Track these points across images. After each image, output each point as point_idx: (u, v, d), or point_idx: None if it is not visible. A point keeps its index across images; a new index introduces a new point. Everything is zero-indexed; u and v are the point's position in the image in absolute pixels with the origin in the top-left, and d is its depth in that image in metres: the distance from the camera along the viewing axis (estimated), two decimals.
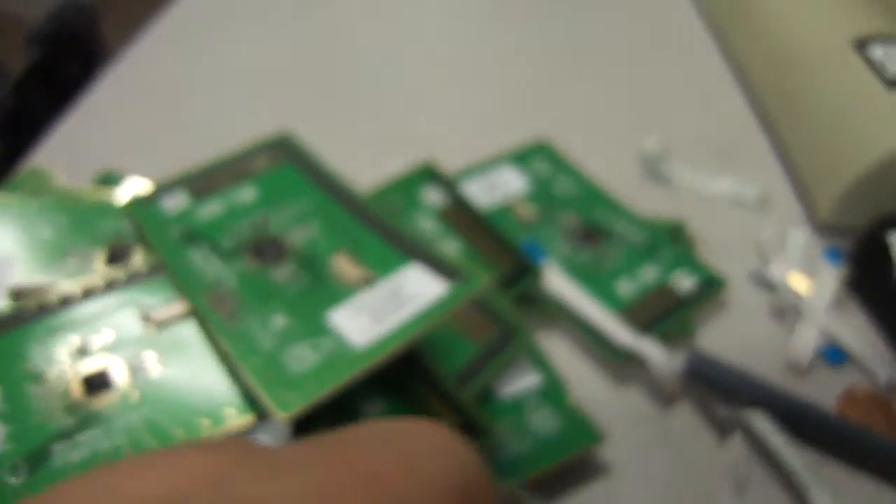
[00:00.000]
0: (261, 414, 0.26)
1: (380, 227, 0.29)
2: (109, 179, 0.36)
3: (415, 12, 0.52)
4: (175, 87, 0.46)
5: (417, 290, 0.27)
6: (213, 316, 0.27)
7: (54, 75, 0.53)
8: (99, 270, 0.31)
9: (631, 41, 0.49)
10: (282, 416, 0.24)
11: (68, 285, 0.29)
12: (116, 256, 0.31)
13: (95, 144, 0.42)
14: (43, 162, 0.40)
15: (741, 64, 0.45)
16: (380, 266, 0.28)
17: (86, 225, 0.32)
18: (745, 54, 0.45)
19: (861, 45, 0.38)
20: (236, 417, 0.26)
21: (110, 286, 0.29)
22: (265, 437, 0.26)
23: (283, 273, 0.28)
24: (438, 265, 0.28)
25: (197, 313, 0.27)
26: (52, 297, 0.29)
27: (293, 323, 0.26)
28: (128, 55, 0.48)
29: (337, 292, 0.27)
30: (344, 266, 0.28)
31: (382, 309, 0.26)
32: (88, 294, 0.29)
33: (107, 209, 0.33)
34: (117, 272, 0.30)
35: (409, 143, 0.39)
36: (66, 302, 0.29)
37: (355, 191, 0.31)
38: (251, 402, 0.26)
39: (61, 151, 0.41)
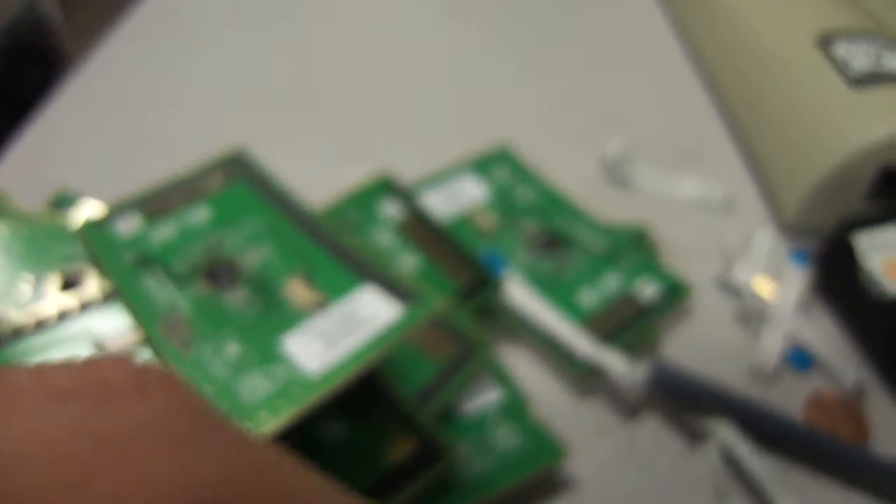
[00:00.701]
0: None
1: (333, 248, 0.29)
2: (64, 201, 0.36)
3: (368, 18, 0.51)
4: (131, 104, 0.45)
5: (371, 312, 0.27)
6: (166, 345, 0.26)
7: (12, 89, 0.52)
8: (52, 298, 0.30)
9: (591, 42, 0.48)
10: None
11: (19, 316, 0.29)
12: (70, 283, 0.30)
13: (50, 164, 0.41)
14: None
15: (704, 63, 0.45)
16: (333, 289, 0.27)
17: (39, 250, 0.32)
18: (708, 53, 0.44)
19: (824, 42, 0.37)
20: None
21: (63, 315, 0.29)
22: None
23: (235, 298, 0.28)
24: (392, 286, 0.27)
25: (150, 342, 0.27)
26: (4, 328, 0.28)
27: (246, 350, 0.26)
28: (83, 72, 0.47)
29: (290, 317, 0.27)
30: (297, 290, 0.28)
31: (336, 333, 0.26)
32: (41, 325, 0.29)
33: (60, 233, 0.32)
34: (71, 299, 0.30)
35: (366, 153, 0.39)
36: (17, 333, 0.28)
37: (309, 209, 0.30)
38: None
39: (15, 171, 0.40)
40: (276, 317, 0.27)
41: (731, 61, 0.42)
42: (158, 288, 0.28)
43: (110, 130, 0.43)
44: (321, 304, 0.27)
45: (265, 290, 0.28)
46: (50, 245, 0.32)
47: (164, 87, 0.46)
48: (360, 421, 0.28)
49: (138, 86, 0.46)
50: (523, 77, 0.46)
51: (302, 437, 0.27)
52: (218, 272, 0.28)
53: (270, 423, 0.24)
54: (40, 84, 0.53)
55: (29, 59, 0.52)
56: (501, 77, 0.46)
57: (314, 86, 0.45)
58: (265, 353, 0.26)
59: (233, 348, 0.26)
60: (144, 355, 0.27)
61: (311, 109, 0.43)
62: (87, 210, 0.34)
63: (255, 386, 0.25)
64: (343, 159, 0.38)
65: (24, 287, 0.30)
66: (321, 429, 0.28)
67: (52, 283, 0.31)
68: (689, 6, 0.47)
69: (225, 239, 0.30)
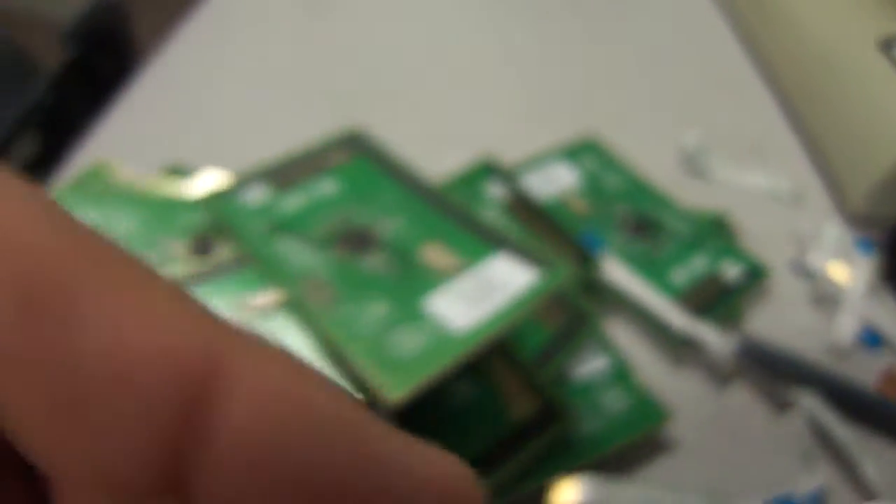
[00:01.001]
0: (368, 398, 0.27)
1: (461, 217, 0.31)
2: (177, 171, 0.37)
3: (465, 15, 0.53)
4: (227, 81, 0.47)
5: (507, 277, 0.29)
6: (310, 305, 0.28)
7: (89, 73, 0.54)
8: (183, 262, 0.32)
9: (660, 43, 0.51)
10: (393, 398, 0.26)
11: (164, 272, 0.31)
12: (199, 248, 0.32)
13: (148, 138, 0.43)
14: (94, 155, 0.41)
15: (767, 64, 0.47)
16: (468, 255, 0.29)
17: (164, 217, 0.33)
18: (771, 55, 0.47)
19: (886, 45, 0.40)
20: None
21: (198, 277, 0.31)
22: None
23: (373, 262, 0.29)
24: (525, 254, 0.29)
25: (293, 302, 0.29)
26: None
27: (392, 309, 0.28)
28: (165, 52, 0.49)
29: (430, 280, 0.29)
30: (435, 254, 0.30)
31: (476, 295, 0.28)
32: (182, 281, 0.30)
33: (182, 202, 0.34)
34: (201, 264, 0.31)
35: (460, 141, 0.41)
36: None
37: (432, 183, 0.32)
38: (353, 387, 0.27)
39: (114, 145, 0.42)
40: (416, 279, 0.29)
41: (795, 64, 0.44)
42: (295, 253, 0.30)
43: (203, 107, 0.45)
44: (458, 269, 0.29)
45: (402, 255, 0.30)
46: (174, 213, 0.34)
47: (251, 70, 0.48)
48: (485, 382, 0.30)
49: (227, 66, 0.48)
50: (605, 74, 0.48)
51: (433, 397, 0.29)
52: (353, 239, 0.30)
53: (422, 377, 0.26)
54: (115, 67, 0.55)
55: (105, 43, 0.53)
56: (586, 74, 0.48)
57: (418, 76, 0.47)
58: (411, 311, 0.28)
59: (378, 307, 0.28)
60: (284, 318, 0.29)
61: (415, 97, 0.46)
62: (207, 180, 0.36)
63: (405, 341, 0.27)
64: (440, 147, 0.40)
65: (155, 252, 0.32)
66: (450, 390, 0.29)
67: (181, 249, 0.32)
68: (751, 12, 0.50)
69: (356, 209, 0.32)
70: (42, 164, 0.52)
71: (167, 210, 0.34)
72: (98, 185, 0.35)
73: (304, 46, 0.50)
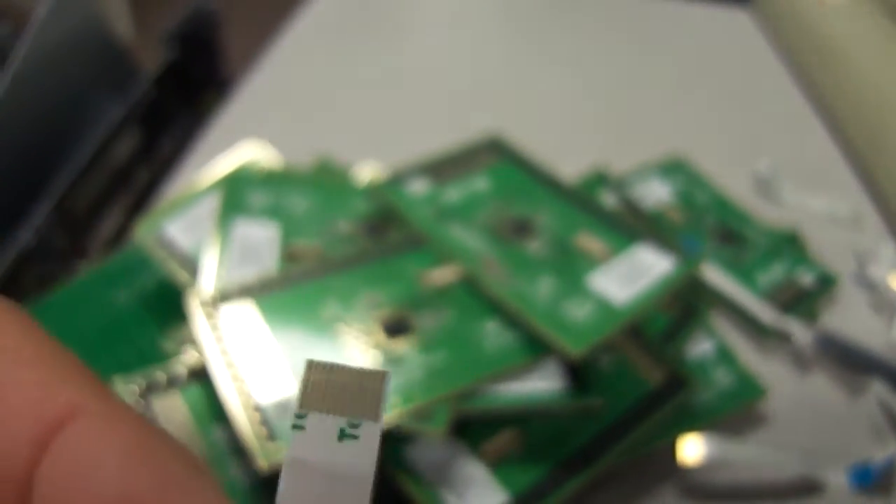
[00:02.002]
0: (540, 356, 0.32)
1: (601, 213, 0.36)
2: (327, 164, 0.42)
3: (573, 45, 0.61)
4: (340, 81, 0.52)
5: (650, 263, 0.34)
6: (489, 279, 0.33)
7: (184, 75, 0.58)
8: (356, 242, 0.36)
9: (731, 82, 0.59)
10: (574, 355, 0.31)
11: (344, 249, 0.35)
12: (371, 231, 0.37)
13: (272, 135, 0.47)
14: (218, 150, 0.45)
15: (826, 103, 0.54)
16: (614, 244, 0.35)
17: (335, 202, 0.38)
18: (831, 97, 0.54)
19: None
20: (517, 359, 0.32)
21: (372, 255, 0.35)
22: (542, 378, 0.32)
23: (535, 247, 0.35)
24: (661, 245, 0.35)
25: (472, 276, 0.34)
26: (330, 259, 0.35)
27: (560, 284, 0.33)
28: (271, 58, 0.54)
29: (587, 263, 0.34)
30: (588, 242, 0.35)
31: (628, 277, 0.33)
32: (362, 258, 0.35)
33: (349, 188, 0.39)
34: (374, 244, 0.36)
35: (567, 154, 0.46)
36: (345, 263, 0.35)
37: (569, 184, 0.38)
38: (527, 348, 0.32)
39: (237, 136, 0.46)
40: (575, 262, 0.34)
41: (851, 104, 0.51)
42: (466, 236, 0.35)
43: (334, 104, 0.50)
44: (609, 255, 0.34)
45: (559, 242, 0.35)
46: (344, 198, 0.38)
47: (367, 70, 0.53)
48: (619, 357, 0.35)
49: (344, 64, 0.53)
50: (687, 107, 0.56)
51: (586, 366, 0.33)
52: (513, 227, 0.35)
53: (597, 338, 0.31)
54: (207, 69, 0.59)
55: (200, 47, 0.58)
56: (670, 106, 0.56)
57: (532, 91, 0.54)
58: (577, 287, 0.33)
59: (548, 283, 0.33)
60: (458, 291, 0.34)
61: (527, 112, 0.52)
62: (369, 172, 0.41)
63: (576, 310, 0.32)
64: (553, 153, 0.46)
65: (331, 231, 0.37)
66: (596, 359, 0.34)
67: (355, 229, 0.37)
68: (808, 55, 0.57)
69: (509, 204, 0.37)
70: (142, 158, 0.56)
71: (336, 195, 0.38)
72: (258, 170, 0.40)
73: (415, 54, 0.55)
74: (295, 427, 0.12)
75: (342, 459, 0.12)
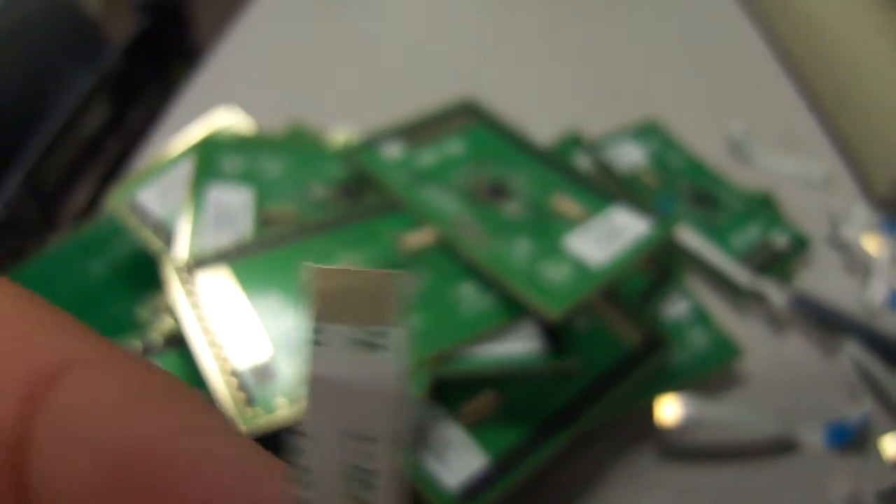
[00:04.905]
0: (517, 318, 0.32)
1: (575, 176, 0.36)
2: (300, 128, 0.42)
3: (546, 13, 0.61)
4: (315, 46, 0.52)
5: (626, 225, 0.34)
6: (466, 241, 0.33)
7: (154, 44, 0.57)
8: (332, 206, 0.36)
9: (702, 45, 0.59)
10: (552, 316, 0.31)
11: (319, 213, 0.35)
12: (346, 194, 0.37)
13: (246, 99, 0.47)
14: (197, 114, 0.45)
15: (799, 66, 0.54)
16: (590, 205, 0.35)
17: (309, 165, 0.38)
18: (803, 59, 0.54)
19: None
20: (494, 321, 0.32)
21: (348, 219, 0.35)
22: (519, 339, 0.32)
23: (511, 209, 0.34)
24: (636, 207, 0.35)
25: (450, 239, 0.33)
26: (305, 222, 0.34)
27: (537, 246, 0.33)
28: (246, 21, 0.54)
29: (563, 224, 0.34)
30: (564, 204, 0.35)
31: (604, 238, 0.33)
32: (338, 221, 0.35)
33: (323, 152, 0.39)
34: (349, 208, 0.36)
35: (544, 117, 0.46)
36: (321, 227, 0.34)
37: (543, 147, 0.38)
38: (504, 309, 0.32)
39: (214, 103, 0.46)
40: (551, 224, 0.34)
41: (823, 67, 0.51)
42: (441, 199, 0.35)
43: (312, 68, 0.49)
44: (585, 216, 0.34)
45: (535, 204, 0.35)
46: (318, 162, 0.38)
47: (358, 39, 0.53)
48: (597, 318, 0.35)
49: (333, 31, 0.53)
50: (659, 70, 0.56)
51: (563, 327, 0.33)
52: (489, 189, 0.35)
53: (574, 300, 0.31)
54: (177, 39, 0.59)
55: (170, 16, 0.57)
56: (643, 68, 0.56)
57: (507, 55, 0.55)
58: (553, 248, 0.33)
59: (525, 245, 0.33)
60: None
61: (502, 76, 0.52)
62: (343, 135, 0.40)
63: (553, 272, 0.32)
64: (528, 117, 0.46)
65: (305, 194, 0.36)
66: (574, 321, 0.34)
67: (329, 193, 0.37)
68: (779, 18, 0.57)
69: (484, 166, 0.36)
70: (112, 128, 0.55)
71: (311, 159, 0.38)
72: (231, 136, 0.39)
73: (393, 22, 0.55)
74: (314, 343, 0.11)
75: (368, 371, 0.11)
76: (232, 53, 0.55)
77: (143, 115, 0.55)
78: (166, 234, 0.34)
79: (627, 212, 0.34)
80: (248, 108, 0.44)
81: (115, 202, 0.36)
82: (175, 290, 0.31)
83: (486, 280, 0.32)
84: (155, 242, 0.34)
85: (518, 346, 0.32)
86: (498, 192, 0.35)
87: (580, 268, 0.32)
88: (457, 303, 0.32)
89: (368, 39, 0.57)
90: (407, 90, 0.49)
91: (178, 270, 0.32)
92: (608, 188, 0.36)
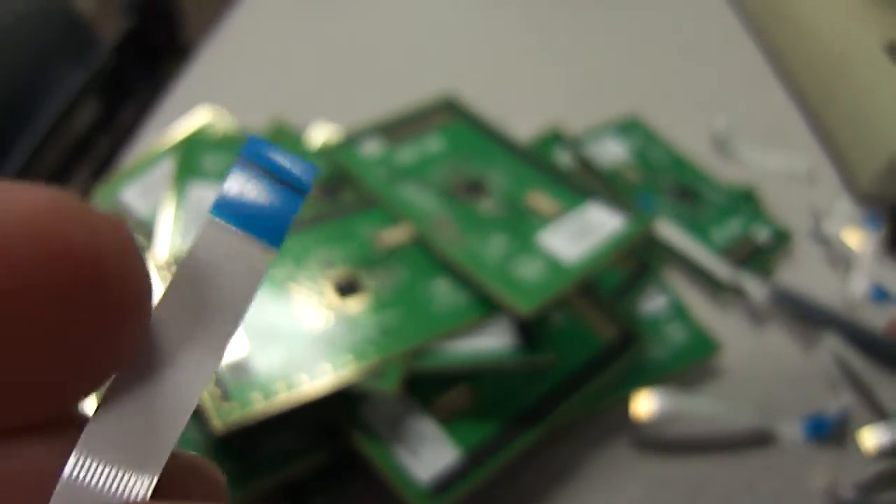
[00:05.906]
0: (490, 314, 0.32)
1: (552, 172, 0.36)
2: (282, 126, 0.42)
3: (531, 11, 0.61)
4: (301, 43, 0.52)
5: (600, 221, 0.34)
6: (440, 239, 0.33)
7: (144, 42, 0.58)
8: (311, 204, 0.36)
9: (688, 41, 0.59)
10: (524, 313, 0.31)
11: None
12: (325, 192, 0.37)
13: (229, 98, 0.47)
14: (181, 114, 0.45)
15: (784, 63, 0.54)
16: (565, 202, 0.35)
17: None
18: (789, 56, 0.54)
19: (890, 49, 0.47)
20: (468, 317, 0.32)
21: (327, 216, 0.35)
22: (493, 335, 0.32)
23: (487, 206, 0.35)
24: (611, 203, 0.35)
25: (425, 237, 0.34)
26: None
27: (511, 243, 0.33)
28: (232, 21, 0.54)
29: (537, 221, 0.34)
30: (538, 201, 0.35)
31: (577, 235, 0.34)
32: (316, 218, 0.35)
33: (302, 150, 0.39)
34: (328, 205, 0.36)
35: (525, 113, 0.46)
36: (299, 224, 0.35)
37: (522, 143, 0.38)
38: (478, 305, 0.32)
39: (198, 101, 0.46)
40: (525, 221, 0.34)
41: (808, 64, 0.51)
42: (418, 197, 0.35)
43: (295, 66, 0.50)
44: (559, 213, 0.34)
45: (510, 200, 0.35)
46: None
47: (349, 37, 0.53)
48: (572, 314, 0.35)
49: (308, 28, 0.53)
50: (642, 66, 0.55)
51: (537, 323, 0.34)
52: (465, 187, 0.36)
53: (546, 297, 0.31)
54: (167, 38, 0.59)
55: (159, 15, 0.57)
56: (626, 64, 0.56)
57: (489, 51, 0.55)
58: (527, 245, 0.33)
59: (499, 241, 0.33)
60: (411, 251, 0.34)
61: (484, 73, 0.52)
62: (322, 133, 0.41)
63: (526, 269, 0.32)
64: (510, 115, 0.46)
65: None
66: (549, 316, 0.35)
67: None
68: (766, 16, 0.57)
69: (462, 163, 0.37)
70: (103, 126, 0.55)
71: None
72: (213, 134, 0.40)
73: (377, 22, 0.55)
74: None
75: None
76: (219, 51, 0.55)
77: (133, 113, 0.55)
78: (149, 231, 0.35)
79: (602, 208, 0.35)
80: (232, 105, 0.45)
81: (100, 200, 0.36)
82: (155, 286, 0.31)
83: (459, 277, 0.33)
84: (137, 239, 0.34)
85: (492, 342, 0.32)
86: (475, 189, 0.36)
87: (553, 264, 0.32)
88: (431, 299, 0.32)
89: (353, 38, 0.58)
90: (390, 88, 0.49)
91: (160, 268, 0.32)
92: (584, 184, 0.36)
